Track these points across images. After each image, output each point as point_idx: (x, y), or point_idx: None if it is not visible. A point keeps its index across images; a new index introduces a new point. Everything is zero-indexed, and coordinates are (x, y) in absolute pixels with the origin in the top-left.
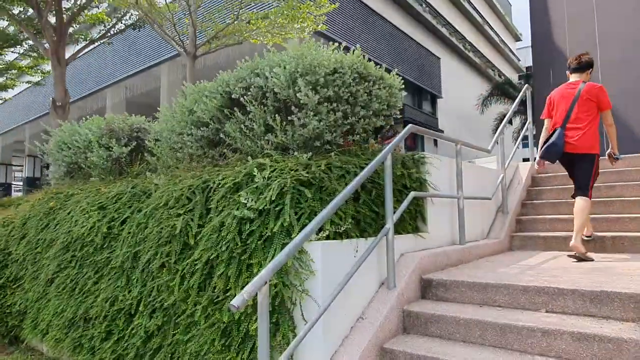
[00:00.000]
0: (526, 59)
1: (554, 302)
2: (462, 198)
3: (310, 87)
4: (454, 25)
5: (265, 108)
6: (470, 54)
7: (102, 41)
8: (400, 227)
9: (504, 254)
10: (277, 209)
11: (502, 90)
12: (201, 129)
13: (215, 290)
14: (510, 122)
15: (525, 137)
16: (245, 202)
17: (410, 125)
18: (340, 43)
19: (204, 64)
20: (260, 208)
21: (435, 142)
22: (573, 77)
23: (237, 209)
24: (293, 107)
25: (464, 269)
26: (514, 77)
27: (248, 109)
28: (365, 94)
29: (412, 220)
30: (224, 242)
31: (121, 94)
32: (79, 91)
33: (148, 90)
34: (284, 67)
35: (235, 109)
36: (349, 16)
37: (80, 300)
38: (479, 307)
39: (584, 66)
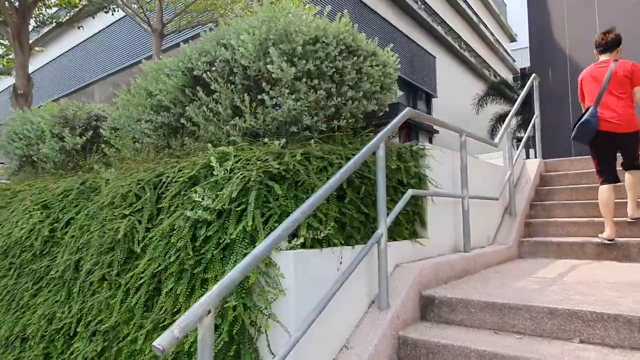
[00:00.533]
0: (521, 60)
1: (590, 331)
2: (468, 198)
3: (285, 58)
4: (449, 24)
5: (233, 87)
6: (466, 54)
7: (72, 25)
8: (395, 232)
9: (513, 262)
10: (239, 208)
11: (497, 90)
12: (161, 114)
13: (162, 312)
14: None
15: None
16: (201, 200)
17: (408, 109)
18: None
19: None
20: (218, 208)
21: (431, 139)
22: (603, 57)
23: (191, 209)
24: (265, 84)
25: (470, 282)
26: (508, 77)
27: (212, 87)
28: (354, 71)
29: (410, 224)
30: (173, 251)
31: (108, 91)
32: (63, 88)
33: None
34: (253, 34)
35: (199, 88)
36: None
37: (18, 315)
38: (494, 334)
39: (612, 45)
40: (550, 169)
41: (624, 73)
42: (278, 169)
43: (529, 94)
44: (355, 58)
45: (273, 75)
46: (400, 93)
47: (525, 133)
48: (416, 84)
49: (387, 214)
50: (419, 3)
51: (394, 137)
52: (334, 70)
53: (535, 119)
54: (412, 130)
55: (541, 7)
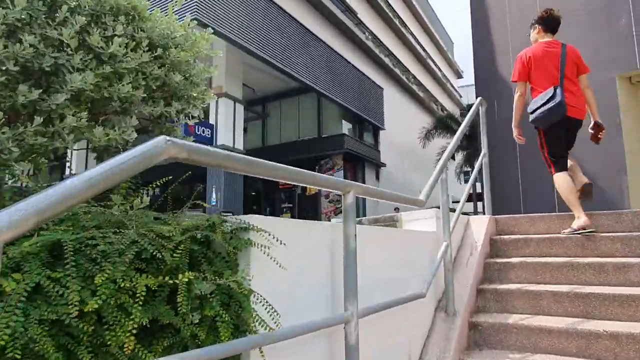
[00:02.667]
0: (468, 96)
1: None
2: (356, 320)
3: None
4: (397, 57)
5: None
6: (414, 87)
7: None
8: None
9: None
10: None
11: (444, 124)
12: None
13: None
14: (452, 156)
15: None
16: None
17: None
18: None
19: None
20: None
21: (377, 173)
22: (548, 37)
23: None
24: None
25: None
26: (456, 112)
27: None
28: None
29: None
30: None
31: None
32: None
33: None
34: None
35: None
36: (276, 30)
37: None
38: None
39: (558, 24)
40: (504, 230)
41: (574, 59)
42: None
43: (471, 126)
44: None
45: None
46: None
47: (471, 171)
48: (363, 115)
49: None
50: (366, 34)
51: (338, 170)
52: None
53: (483, 158)
54: (357, 162)
55: (485, 40)
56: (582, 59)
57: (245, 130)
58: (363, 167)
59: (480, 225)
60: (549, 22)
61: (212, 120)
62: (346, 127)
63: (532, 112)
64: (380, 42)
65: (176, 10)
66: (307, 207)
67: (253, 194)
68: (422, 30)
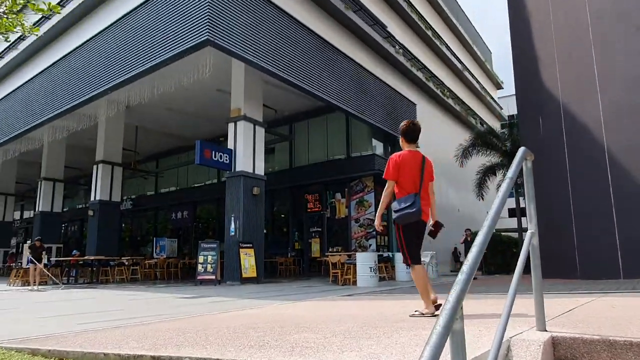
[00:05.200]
0: (508, 108)
1: None
2: None
3: None
4: (430, 70)
5: None
6: (450, 101)
7: None
8: None
9: None
10: None
11: (484, 140)
12: None
13: None
14: (494, 172)
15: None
16: None
17: None
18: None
19: None
20: None
21: None
22: (411, 147)
23: None
24: None
25: None
26: (496, 125)
27: None
28: None
29: None
30: None
31: (57, 135)
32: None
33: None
34: None
35: None
36: (298, 48)
37: None
38: None
39: (418, 134)
40: None
41: (429, 169)
42: None
43: (513, 142)
44: None
45: None
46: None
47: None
48: (394, 133)
49: None
50: (397, 47)
51: (368, 193)
52: None
53: (531, 238)
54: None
55: (526, 46)
56: (433, 169)
57: (272, 151)
58: None
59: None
60: (411, 134)
61: (230, 145)
62: (377, 146)
63: (395, 211)
64: (412, 55)
65: (189, 32)
66: (336, 231)
67: (282, 215)
68: (457, 41)
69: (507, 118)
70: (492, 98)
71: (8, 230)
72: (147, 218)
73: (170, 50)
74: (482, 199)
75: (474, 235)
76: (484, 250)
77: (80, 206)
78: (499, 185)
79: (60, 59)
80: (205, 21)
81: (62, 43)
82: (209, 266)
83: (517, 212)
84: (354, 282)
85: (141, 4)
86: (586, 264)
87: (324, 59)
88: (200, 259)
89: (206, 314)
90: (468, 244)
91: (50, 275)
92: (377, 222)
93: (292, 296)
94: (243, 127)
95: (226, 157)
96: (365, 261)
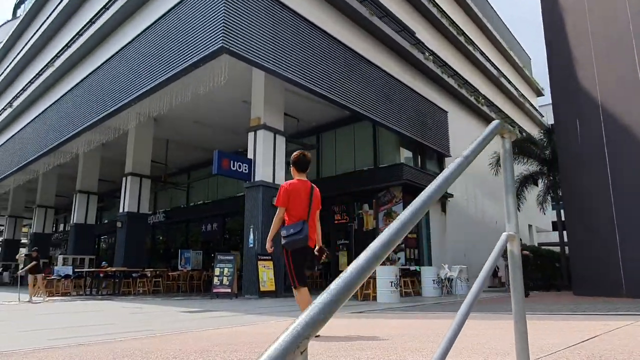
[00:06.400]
0: (550, 116)
1: None
2: None
3: None
4: (463, 76)
5: None
6: (485, 108)
7: None
8: None
9: None
10: None
11: (521, 148)
12: None
13: None
14: (536, 183)
15: None
16: None
17: None
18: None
19: None
20: None
21: (444, 205)
22: (301, 176)
23: None
24: None
25: None
26: (536, 135)
27: None
28: None
29: None
30: None
31: (86, 148)
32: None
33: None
34: None
35: None
36: (321, 55)
37: None
38: None
39: (308, 165)
40: None
41: (317, 198)
42: None
43: (553, 150)
44: None
45: None
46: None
47: (551, 198)
48: (424, 142)
49: None
50: (426, 54)
51: (397, 203)
52: None
53: (509, 241)
54: (418, 194)
55: (561, 44)
56: (320, 199)
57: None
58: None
59: None
60: (301, 164)
61: (250, 155)
62: (405, 155)
63: (284, 237)
64: (443, 61)
65: (204, 40)
66: (364, 243)
67: None
68: (492, 47)
69: (548, 126)
70: (531, 105)
71: (47, 242)
72: (180, 230)
73: (187, 60)
74: (519, 210)
75: (524, 248)
76: (359, 275)
77: (116, 218)
78: (539, 196)
79: (89, 74)
80: (220, 29)
81: (89, 62)
82: (225, 279)
83: (559, 225)
84: (374, 298)
85: (161, 17)
86: (633, 281)
87: (349, 66)
88: (217, 271)
89: (185, 332)
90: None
91: (43, 289)
92: (267, 245)
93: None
94: (263, 136)
95: (245, 166)
96: (385, 275)
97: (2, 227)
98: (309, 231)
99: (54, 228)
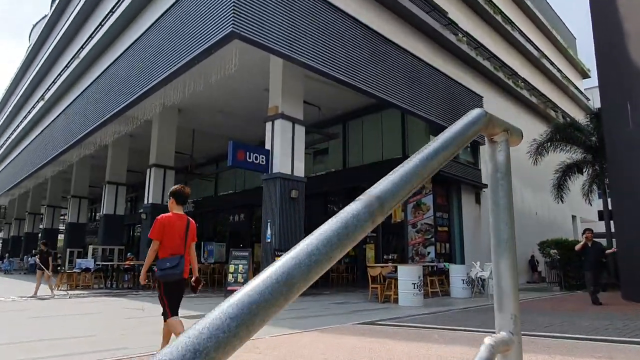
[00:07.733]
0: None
1: None
2: None
3: None
4: (500, 59)
5: None
6: (524, 92)
7: None
8: None
9: None
10: None
11: (564, 134)
12: None
13: None
14: (581, 171)
15: None
16: None
17: None
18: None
19: None
20: None
21: (478, 196)
22: (179, 209)
23: None
24: None
25: None
26: (581, 119)
27: None
28: None
29: None
30: None
31: (109, 139)
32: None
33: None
34: None
35: None
36: (343, 40)
37: None
38: None
39: (187, 199)
40: None
41: (193, 231)
42: None
43: (600, 137)
44: None
45: None
46: None
47: (597, 187)
48: None
49: None
50: (459, 35)
51: (426, 195)
52: None
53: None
54: (450, 189)
55: (609, 15)
56: (196, 232)
57: (326, 152)
58: (459, 190)
59: None
60: (180, 197)
61: (267, 146)
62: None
63: (160, 270)
64: (478, 43)
65: (215, 25)
66: (392, 236)
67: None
68: (533, 26)
69: (595, 110)
70: (576, 88)
71: (82, 231)
72: (209, 220)
73: (200, 46)
74: (562, 200)
75: (603, 247)
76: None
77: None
78: (584, 186)
79: (109, 65)
80: (230, 13)
81: (110, 53)
82: (239, 276)
83: (605, 214)
84: (396, 300)
85: (174, 3)
86: None
87: (373, 50)
88: (231, 268)
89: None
90: (593, 252)
91: (51, 284)
92: (141, 277)
93: (308, 319)
94: (281, 125)
95: (262, 158)
96: (407, 276)
97: (42, 216)
98: (184, 264)
99: (90, 217)
